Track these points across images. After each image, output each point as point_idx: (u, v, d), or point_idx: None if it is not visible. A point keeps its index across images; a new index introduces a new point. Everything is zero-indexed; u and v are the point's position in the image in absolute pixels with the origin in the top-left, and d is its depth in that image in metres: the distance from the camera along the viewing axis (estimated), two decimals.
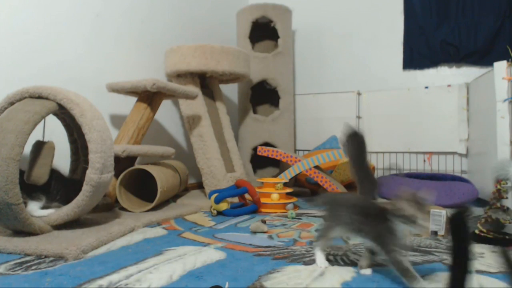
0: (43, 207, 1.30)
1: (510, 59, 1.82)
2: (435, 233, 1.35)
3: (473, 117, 2.34)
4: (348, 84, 2.92)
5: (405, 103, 2.66)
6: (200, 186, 2.53)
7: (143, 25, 2.23)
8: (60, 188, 1.36)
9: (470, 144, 2.41)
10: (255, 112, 2.77)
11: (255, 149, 2.58)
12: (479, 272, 0.96)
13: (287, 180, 2.04)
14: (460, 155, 2.49)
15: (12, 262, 1.03)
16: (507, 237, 1.25)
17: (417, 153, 2.64)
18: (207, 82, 2.34)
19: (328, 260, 1.05)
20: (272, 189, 1.89)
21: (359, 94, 2.83)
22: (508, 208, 1.42)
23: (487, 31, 2.45)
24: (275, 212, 1.81)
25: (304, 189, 2.47)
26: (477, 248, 1.19)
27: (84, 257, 1.07)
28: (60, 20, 1.76)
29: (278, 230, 1.43)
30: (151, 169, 1.65)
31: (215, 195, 1.72)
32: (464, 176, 2.43)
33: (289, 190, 1.92)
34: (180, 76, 2.20)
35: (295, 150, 3.00)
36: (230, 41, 2.92)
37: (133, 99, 2.02)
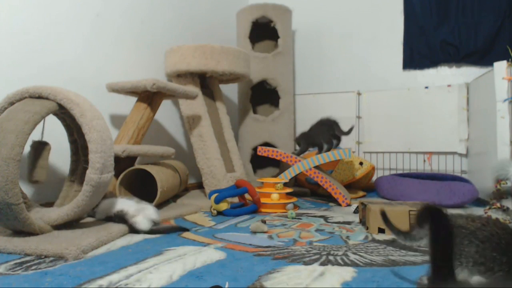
0: None
1: (510, 59, 1.82)
2: None
3: (473, 117, 2.34)
4: (348, 84, 2.92)
5: (405, 103, 2.66)
6: (200, 186, 2.53)
7: (143, 25, 2.23)
8: None
9: (470, 144, 2.41)
10: (255, 112, 2.77)
11: (255, 149, 2.58)
12: None
13: (287, 180, 2.04)
14: (460, 155, 2.49)
15: (12, 262, 1.03)
16: None
17: (417, 153, 2.64)
18: (207, 82, 2.34)
19: (328, 260, 1.05)
20: (272, 189, 1.89)
21: (359, 94, 2.83)
22: (508, 208, 1.42)
23: (487, 31, 2.45)
24: (275, 212, 1.81)
25: (304, 189, 2.47)
26: None
27: (84, 257, 1.07)
28: (60, 20, 1.76)
29: (278, 230, 1.43)
30: (151, 169, 1.65)
31: (215, 195, 1.72)
32: (464, 176, 2.43)
33: (289, 190, 1.92)
34: (180, 76, 2.20)
35: (295, 150, 3.00)
36: (230, 41, 2.92)
37: (133, 99, 2.02)
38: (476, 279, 0.71)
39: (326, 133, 2.15)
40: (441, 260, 0.65)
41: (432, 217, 0.66)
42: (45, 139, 1.41)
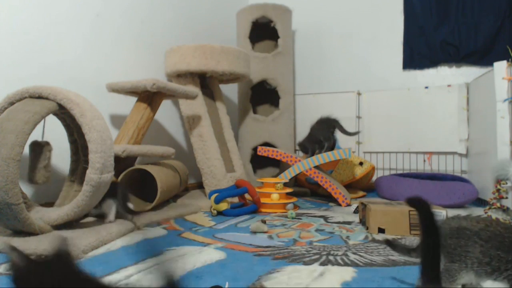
0: None
1: (510, 59, 1.82)
2: None
3: (473, 117, 2.34)
4: (348, 84, 2.91)
5: (405, 103, 2.65)
6: (200, 186, 2.53)
7: (143, 25, 2.23)
8: None
9: (470, 144, 2.41)
10: (255, 112, 2.77)
11: (255, 149, 2.58)
12: None
13: (287, 180, 2.04)
14: (460, 155, 2.49)
15: None
16: None
17: (417, 153, 2.64)
18: (207, 82, 2.34)
19: (328, 260, 1.05)
20: (272, 189, 1.89)
21: (359, 94, 2.83)
22: (508, 208, 1.42)
23: (487, 31, 2.45)
24: (275, 212, 1.81)
25: (304, 189, 2.47)
26: None
27: (84, 257, 1.07)
28: (60, 20, 1.76)
29: (278, 230, 1.43)
30: (151, 169, 1.65)
31: (215, 195, 1.72)
32: (464, 176, 2.43)
33: (289, 190, 1.92)
34: (180, 76, 2.20)
35: (295, 150, 3.00)
36: (230, 41, 2.92)
37: (133, 99, 2.02)
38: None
39: (326, 131, 2.15)
40: (428, 260, 0.66)
41: (421, 215, 0.67)
42: (45, 139, 1.41)
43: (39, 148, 1.35)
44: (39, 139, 1.38)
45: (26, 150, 1.21)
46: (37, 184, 1.35)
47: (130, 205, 1.42)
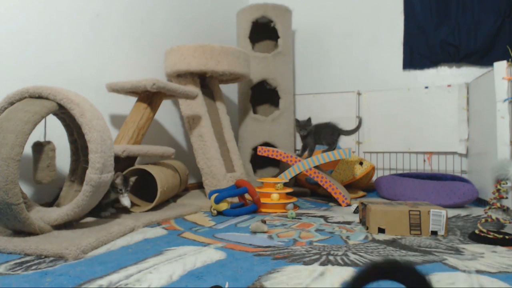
0: None
1: (510, 59, 1.82)
2: (435, 233, 1.36)
3: (473, 117, 2.34)
4: (348, 84, 2.92)
5: (405, 103, 2.66)
6: (200, 186, 2.53)
7: (143, 25, 2.23)
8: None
9: (470, 144, 2.41)
10: (255, 112, 2.77)
11: (255, 149, 2.58)
12: (479, 272, 0.96)
13: (287, 180, 2.04)
14: (460, 155, 2.49)
15: (12, 262, 1.03)
16: (507, 237, 1.25)
17: (417, 153, 2.64)
18: (207, 82, 2.34)
19: (328, 260, 1.05)
20: (272, 189, 1.89)
21: (359, 94, 2.83)
22: (508, 208, 1.42)
23: (487, 31, 2.45)
24: (275, 212, 1.81)
25: (304, 189, 2.47)
26: (477, 248, 1.19)
27: (84, 257, 1.07)
28: (60, 20, 1.76)
29: (278, 230, 1.43)
30: (151, 169, 1.65)
31: (215, 195, 1.72)
32: (464, 176, 2.43)
33: (289, 190, 1.92)
34: (180, 76, 2.20)
35: (295, 150, 3.00)
36: (230, 41, 2.92)
37: (133, 99, 2.02)
38: None
39: (330, 136, 2.14)
40: None
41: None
42: (45, 139, 1.41)
43: (41, 148, 1.35)
44: (41, 139, 1.38)
45: (27, 150, 1.21)
46: (41, 184, 1.35)
47: None
